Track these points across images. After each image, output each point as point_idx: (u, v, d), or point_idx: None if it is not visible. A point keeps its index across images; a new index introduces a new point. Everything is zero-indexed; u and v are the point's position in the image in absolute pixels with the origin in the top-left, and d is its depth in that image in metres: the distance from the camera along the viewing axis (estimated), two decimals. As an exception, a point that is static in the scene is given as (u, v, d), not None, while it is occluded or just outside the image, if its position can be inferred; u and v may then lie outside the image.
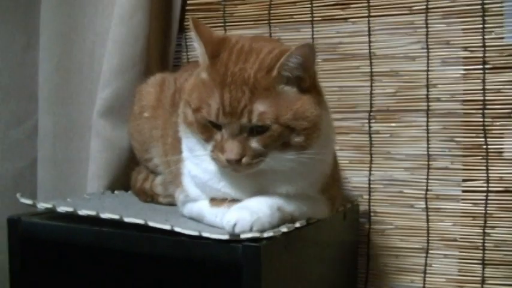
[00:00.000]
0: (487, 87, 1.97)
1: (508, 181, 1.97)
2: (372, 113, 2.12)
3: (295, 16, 2.22)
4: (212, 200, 1.51)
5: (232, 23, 2.33)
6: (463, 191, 2.03)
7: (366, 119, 2.13)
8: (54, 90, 2.34)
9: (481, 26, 1.97)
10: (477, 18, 1.97)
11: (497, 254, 1.98)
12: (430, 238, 2.06)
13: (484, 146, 1.99)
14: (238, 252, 1.30)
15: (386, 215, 2.13)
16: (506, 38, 1.95)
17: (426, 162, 2.06)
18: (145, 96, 1.98)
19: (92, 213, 1.52)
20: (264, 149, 1.37)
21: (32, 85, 2.38)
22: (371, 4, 2.11)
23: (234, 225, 1.32)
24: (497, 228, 1.98)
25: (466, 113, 2.01)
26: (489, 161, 1.99)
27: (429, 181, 2.06)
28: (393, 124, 2.10)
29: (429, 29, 2.04)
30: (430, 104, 2.04)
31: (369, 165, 2.14)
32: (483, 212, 1.99)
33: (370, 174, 2.14)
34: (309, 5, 2.19)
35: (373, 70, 2.11)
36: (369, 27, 2.11)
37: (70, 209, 1.56)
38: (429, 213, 2.06)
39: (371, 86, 2.12)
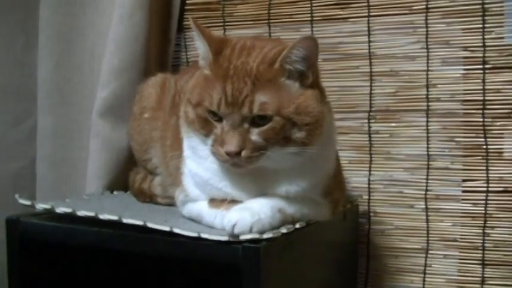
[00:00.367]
0: (487, 87, 1.97)
1: (508, 181, 1.97)
2: (371, 113, 2.12)
3: (294, 16, 2.22)
4: (211, 200, 1.51)
5: (231, 22, 2.33)
6: (463, 191, 2.03)
7: (365, 119, 2.13)
8: (54, 90, 2.33)
9: (481, 25, 1.97)
10: (477, 18, 1.97)
11: (497, 254, 1.98)
12: (429, 238, 2.06)
13: (484, 146, 1.99)
14: (238, 254, 1.30)
15: (386, 215, 2.13)
16: (506, 37, 1.95)
17: (426, 163, 2.06)
18: (146, 97, 1.98)
19: (91, 214, 1.51)
20: (265, 142, 1.36)
21: (31, 85, 2.37)
22: (371, 4, 2.10)
23: (234, 225, 1.32)
24: (497, 229, 1.98)
25: (466, 113, 2.01)
26: (489, 161, 1.99)
27: (429, 181, 2.06)
28: (393, 124, 2.10)
29: (429, 29, 2.03)
30: (430, 104, 2.04)
31: (368, 165, 2.14)
32: (483, 212, 1.99)
33: (369, 174, 2.13)
34: (309, 5, 2.19)
35: (373, 70, 2.11)
36: (369, 27, 2.11)
37: (69, 210, 1.56)
38: (429, 214, 2.06)
39: (371, 86, 2.12)
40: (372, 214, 2.14)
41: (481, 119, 1.98)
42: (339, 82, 2.15)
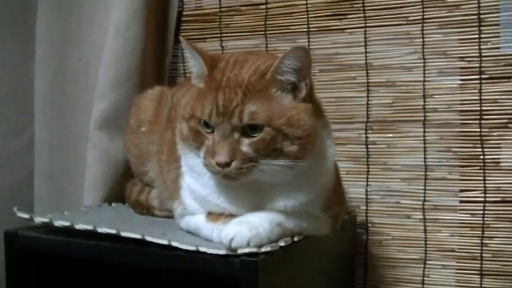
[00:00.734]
0: (483, 97, 1.97)
1: (506, 191, 1.96)
2: (368, 124, 2.12)
3: (291, 27, 2.22)
4: (209, 214, 1.51)
5: (228, 33, 2.33)
6: (461, 202, 2.02)
7: (362, 129, 2.13)
8: (51, 102, 2.34)
9: (477, 36, 1.97)
10: (473, 29, 1.98)
11: (495, 265, 1.98)
12: (427, 249, 2.06)
13: (481, 156, 1.99)
14: (236, 267, 1.30)
15: (384, 226, 2.12)
16: (503, 48, 1.95)
17: (423, 173, 2.06)
18: (143, 110, 1.98)
19: (89, 227, 1.51)
20: (256, 154, 1.35)
21: (28, 97, 2.38)
22: (367, 15, 2.11)
23: (232, 239, 1.33)
24: (495, 239, 1.98)
25: (463, 123, 2.01)
26: (486, 171, 1.99)
27: (426, 192, 2.06)
28: (390, 135, 2.10)
29: (425, 39, 2.04)
30: (427, 114, 2.04)
31: (365, 176, 2.14)
32: (481, 222, 1.99)
33: (367, 185, 2.13)
34: (305, 16, 2.19)
35: (370, 81, 2.11)
36: (365, 37, 2.11)
37: (67, 223, 1.56)
38: (426, 224, 2.06)
39: (367, 97, 2.12)
40: (369, 225, 2.14)
41: (478, 129, 1.98)
42: (336, 93, 2.15)
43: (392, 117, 2.09)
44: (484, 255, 1.99)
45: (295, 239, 1.46)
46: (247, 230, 1.34)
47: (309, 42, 2.19)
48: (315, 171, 1.46)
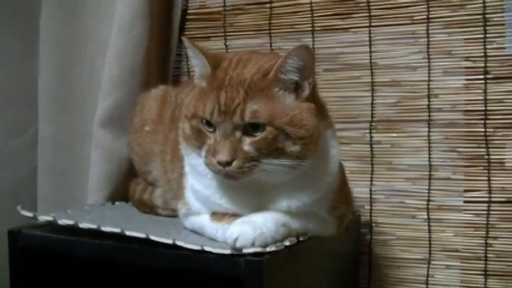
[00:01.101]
0: (488, 97, 1.97)
1: (510, 191, 1.96)
2: (373, 123, 2.12)
3: (295, 26, 2.22)
4: (214, 214, 1.50)
5: (232, 32, 2.33)
6: (465, 202, 2.02)
7: (367, 129, 2.13)
8: (54, 100, 2.34)
9: (482, 36, 1.97)
10: (479, 28, 1.97)
11: (500, 265, 1.98)
12: (432, 249, 2.06)
13: (486, 156, 1.98)
14: (241, 267, 1.30)
15: (388, 226, 2.12)
16: (508, 48, 1.95)
17: (428, 173, 2.06)
18: (148, 110, 1.98)
19: (93, 226, 1.51)
20: (257, 153, 1.34)
21: (32, 94, 2.38)
22: (372, 14, 2.10)
23: (236, 239, 1.32)
24: (499, 239, 1.98)
25: (468, 123, 2.00)
26: (491, 171, 1.98)
27: (431, 191, 2.05)
28: (394, 134, 2.10)
29: (430, 39, 2.03)
30: (432, 114, 2.04)
31: (370, 175, 2.13)
32: (485, 222, 1.99)
33: (371, 184, 2.13)
34: (310, 15, 2.19)
35: (374, 80, 2.11)
36: (370, 37, 2.11)
37: (71, 222, 1.56)
38: (431, 224, 2.06)
39: (372, 96, 2.11)
40: (373, 224, 2.14)
41: (483, 129, 1.98)
42: (340, 92, 2.15)
43: (397, 116, 2.09)
44: (488, 255, 1.99)
45: (300, 238, 1.45)
46: (251, 230, 1.33)
47: (313, 41, 2.18)
48: (318, 172, 1.45)
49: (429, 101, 2.04)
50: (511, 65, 1.94)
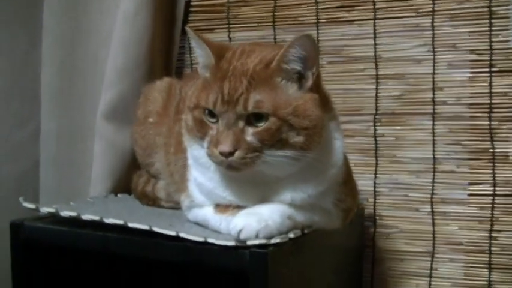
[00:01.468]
0: (493, 90, 1.96)
1: (515, 185, 1.96)
2: (377, 116, 2.11)
3: (300, 18, 2.21)
4: (217, 206, 1.50)
5: (236, 24, 2.32)
6: (469, 195, 2.02)
7: (371, 122, 2.12)
8: (57, 92, 2.33)
9: (488, 28, 1.96)
10: (484, 21, 1.96)
11: (504, 258, 1.97)
12: (435, 242, 2.05)
13: (491, 150, 1.98)
14: (245, 259, 1.29)
15: (392, 219, 2.11)
16: (513, 41, 1.94)
17: (432, 166, 2.05)
18: (152, 102, 1.97)
19: (96, 218, 1.50)
20: (260, 144, 1.34)
21: (34, 87, 2.37)
22: (377, 6, 2.09)
23: (240, 231, 1.32)
24: (503, 232, 1.97)
25: (473, 116, 2.00)
26: (496, 164, 1.98)
27: (435, 185, 2.05)
28: (399, 127, 2.09)
29: (435, 32, 2.02)
30: (436, 107, 2.03)
31: (374, 168, 2.13)
32: (489, 215, 1.98)
33: (375, 177, 2.12)
34: (314, 7, 2.18)
35: (379, 73, 2.10)
36: (375, 29, 2.10)
37: (73, 214, 1.55)
38: (435, 217, 2.05)
39: (376, 89, 2.11)
40: (377, 217, 2.13)
41: (488, 123, 1.97)
42: (345, 85, 2.14)
43: (401, 109, 2.08)
44: (492, 248, 1.98)
45: (305, 231, 1.45)
46: (255, 222, 1.33)
47: (317, 33, 2.17)
48: (322, 164, 1.44)
49: (434, 94, 2.03)
50: (517, 58, 1.94)
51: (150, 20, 2.15)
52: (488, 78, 1.96)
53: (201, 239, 1.35)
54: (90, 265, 1.77)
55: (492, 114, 1.97)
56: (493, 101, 1.96)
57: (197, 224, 1.56)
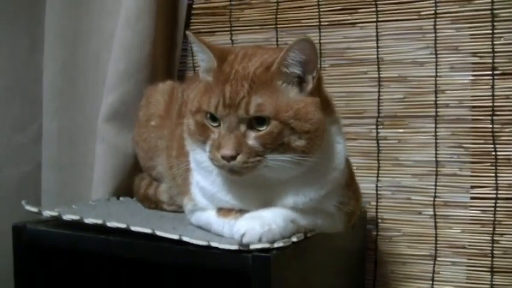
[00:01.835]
0: (496, 93, 1.96)
1: (517, 188, 1.96)
2: (379, 119, 2.11)
3: (302, 21, 2.21)
4: (220, 209, 1.49)
5: (238, 27, 2.32)
6: (472, 198, 2.02)
7: (373, 124, 2.12)
8: (59, 94, 2.33)
9: (490, 31, 1.96)
10: (486, 24, 1.96)
11: (506, 262, 1.97)
12: (438, 245, 2.05)
13: (493, 153, 1.98)
14: (248, 263, 1.29)
15: (394, 222, 2.11)
16: (516, 43, 1.94)
17: (434, 169, 2.05)
18: (154, 104, 1.97)
19: (99, 221, 1.50)
20: (262, 148, 1.34)
21: (36, 88, 2.36)
22: (379, 9, 2.09)
23: (243, 235, 1.31)
24: (506, 236, 1.97)
25: (475, 119, 2.00)
26: (498, 167, 1.98)
27: (437, 188, 2.05)
28: (401, 130, 2.09)
29: (438, 35, 2.02)
30: (439, 110, 2.03)
31: (376, 171, 2.13)
32: (492, 219, 1.98)
33: (377, 180, 2.12)
34: (317, 10, 2.18)
35: (381, 76, 2.10)
36: (377, 32, 2.10)
37: (76, 217, 1.54)
38: (437, 220, 2.05)
39: (379, 92, 2.10)
40: (379, 220, 2.13)
41: (490, 125, 1.97)
42: (347, 88, 2.14)
43: (404, 112, 2.08)
44: (494, 252, 1.98)
45: (308, 234, 1.44)
46: (259, 226, 1.32)
47: (320, 36, 2.17)
48: (324, 167, 1.44)
49: (436, 97, 2.03)
50: (519, 61, 1.93)
51: (152, 23, 2.15)
52: (491, 81, 1.96)
53: (204, 243, 1.34)
54: (93, 268, 1.76)
55: (494, 117, 1.97)
56: (495, 104, 1.96)
57: (200, 227, 1.56)
